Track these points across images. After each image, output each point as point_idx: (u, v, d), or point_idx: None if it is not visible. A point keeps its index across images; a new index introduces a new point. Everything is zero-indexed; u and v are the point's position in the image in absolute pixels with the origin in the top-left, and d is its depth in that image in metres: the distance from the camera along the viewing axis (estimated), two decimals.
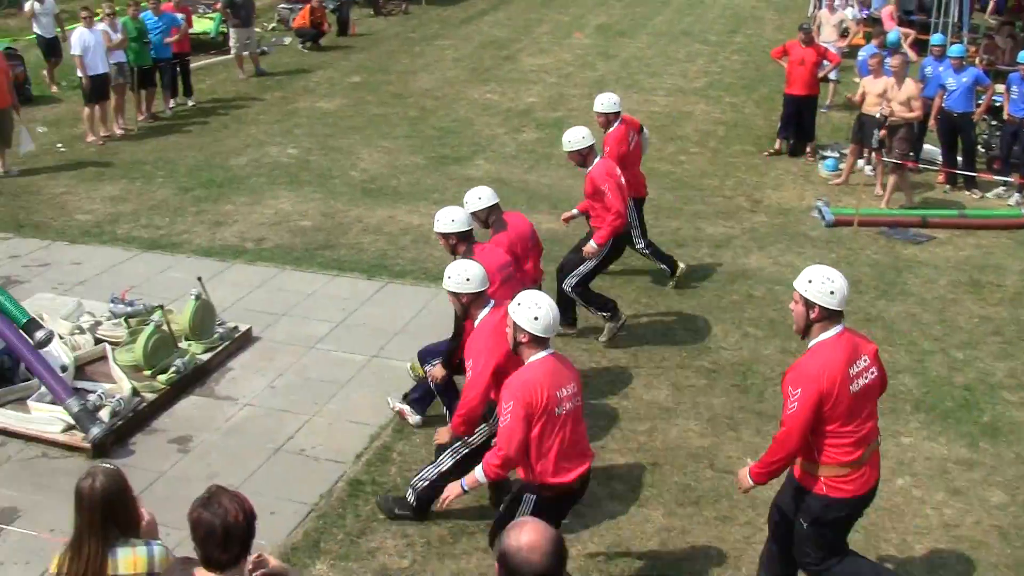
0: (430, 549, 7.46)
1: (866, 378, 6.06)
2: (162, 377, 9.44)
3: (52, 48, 20.32)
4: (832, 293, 5.94)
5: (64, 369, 9.33)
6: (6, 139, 15.70)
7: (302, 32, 24.63)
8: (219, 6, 22.51)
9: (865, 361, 6.07)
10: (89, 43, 16.74)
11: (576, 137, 10.26)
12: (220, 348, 10.11)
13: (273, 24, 26.84)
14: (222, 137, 17.80)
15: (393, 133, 17.89)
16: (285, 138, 17.61)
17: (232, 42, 21.90)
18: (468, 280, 7.11)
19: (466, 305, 7.18)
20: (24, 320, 8.93)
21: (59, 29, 20.23)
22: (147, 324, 9.74)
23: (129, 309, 10.32)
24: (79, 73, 17.20)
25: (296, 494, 8.04)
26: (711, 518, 7.84)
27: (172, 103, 19.35)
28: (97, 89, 17.07)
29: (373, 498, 7.95)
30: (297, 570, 5.80)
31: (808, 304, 5.98)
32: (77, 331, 10.10)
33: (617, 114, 11.34)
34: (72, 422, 8.71)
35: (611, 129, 11.28)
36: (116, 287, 11.14)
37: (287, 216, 13.83)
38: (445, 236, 8.25)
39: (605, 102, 11.34)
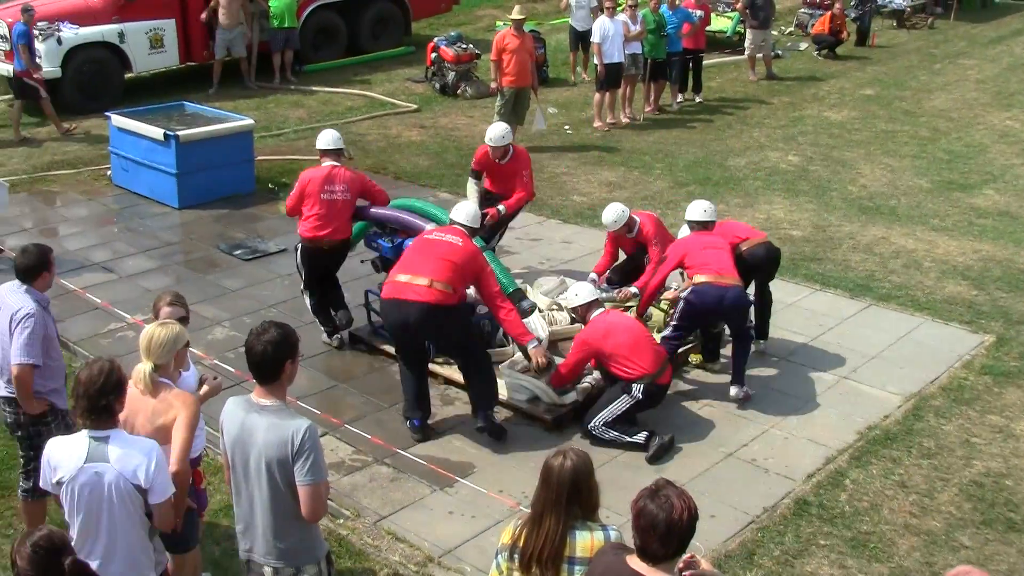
0: None
1: (443, 236, 8.79)
2: None
3: (582, 39, 20.88)
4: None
5: (539, 342, 9.67)
6: (520, 117, 16.56)
7: (819, 39, 24.16)
8: (739, 6, 22.50)
9: (455, 239, 8.70)
10: (608, 32, 17.31)
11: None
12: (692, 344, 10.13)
13: (791, 28, 26.54)
14: (724, 137, 17.85)
15: (900, 151, 17.14)
16: (787, 144, 17.37)
17: (747, 43, 21.82)
18: (576, 295, 9.02)
19: (582, 314, 9.00)
20: (511, 289, 9.35)
21: (593, 16, 20.90)
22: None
23: (605, 295, 10.48)
24: (595, 60, 17.86)
25: (739, 502, 7.92)
26: None
27: (680, 98, 19.64)
28: (610, 77, 17.63)
29: (817, 520, 7.68)
30: None
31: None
32: (555, 307, 10.42)
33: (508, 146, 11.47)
34: (539, 394, 9.06)
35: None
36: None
37: (778, 223, 13.61)
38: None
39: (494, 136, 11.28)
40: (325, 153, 10.26)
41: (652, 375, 8.55)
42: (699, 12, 19.40)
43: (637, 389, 8.54)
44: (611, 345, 8.62)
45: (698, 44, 19.53)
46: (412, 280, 8.43)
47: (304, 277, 10.29)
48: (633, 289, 10.48)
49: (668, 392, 9.03)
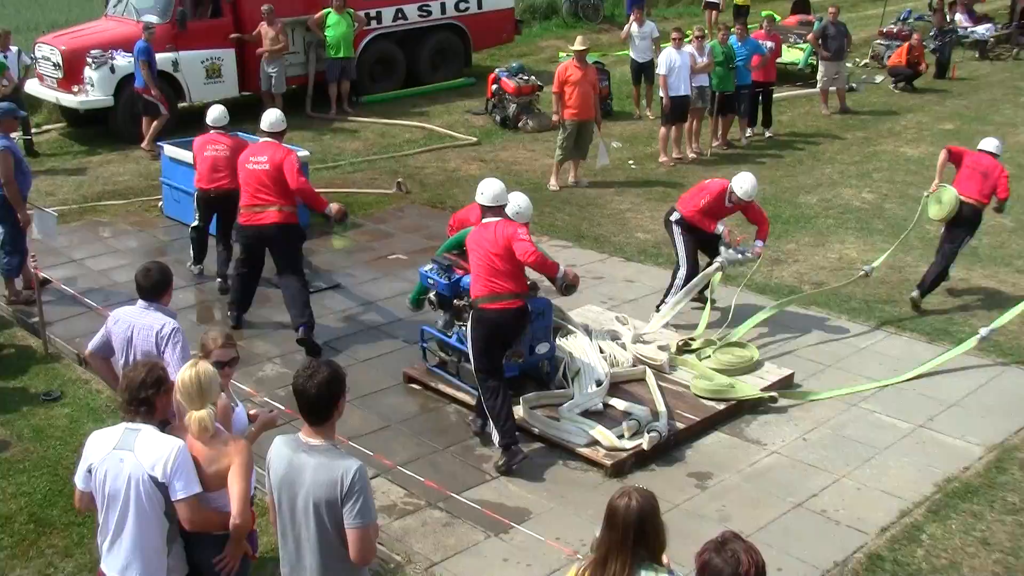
0: None
1: (255, 165, 10.62)
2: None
3: (644, 72, 20.60)
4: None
5: (599, 383, 9.49)
6: (583, 151, 16.30)
7: (896, 71, 23.64)
8: (811, 37, 22.08)
9: (261, 159, 10.59)
10: (675, 64, 17.01)
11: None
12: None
13: (865, 60, 26.03)
14: (795, 173, 17.42)
15: None
16: (861, 181, 16.89)
17: (820, 75, 21.39)
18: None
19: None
20: None
21: (655, 48, 20.55)
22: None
23: (742, 256, 10.59)
24: (660, 93, 17.54)
25: (808, 555, 7.56)
26: None
27: (749, 132, 19.25)
28: (676, 110, 17.30)
29: None
30: None
31: None
32: (621, 347, 10.34)
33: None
34: (596, 438, 8.80)
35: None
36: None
37: (851, 262, 13.18)
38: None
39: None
40: (211, 127, 12.50)
41: (475, 300, 8.67)
42: (769, 43, 19.09)
43: (468, 316, 8.86)
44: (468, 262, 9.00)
45: (768, 77, 19.17)
46: (263, 209, 10.55)
47: (199, 217, 12.47)
48: (760, 244, 11.30)
49: (513, 328, 8.79)
